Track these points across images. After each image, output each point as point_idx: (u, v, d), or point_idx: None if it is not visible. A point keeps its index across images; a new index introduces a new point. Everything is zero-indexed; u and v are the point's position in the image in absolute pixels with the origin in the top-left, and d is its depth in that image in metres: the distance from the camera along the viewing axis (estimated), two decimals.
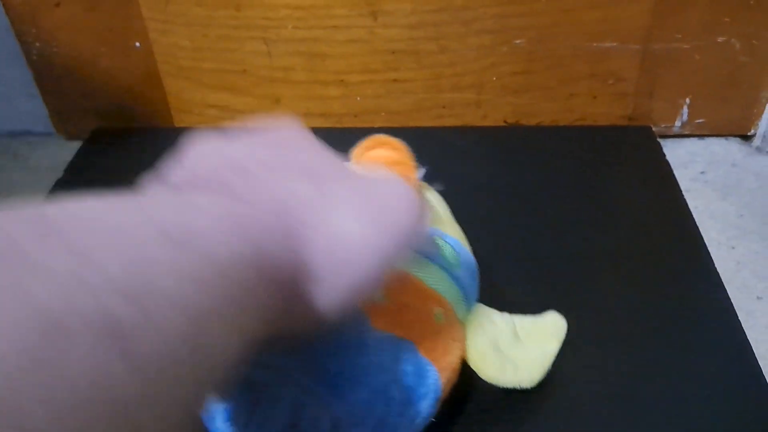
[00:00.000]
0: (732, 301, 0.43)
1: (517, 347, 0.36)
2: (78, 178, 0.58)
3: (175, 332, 0.16)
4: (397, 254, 0.25)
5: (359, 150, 0.40)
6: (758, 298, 0.46)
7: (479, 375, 0.35)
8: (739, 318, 0.42)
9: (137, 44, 0.58)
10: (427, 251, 0.35)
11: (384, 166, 0.39)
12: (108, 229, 0.16)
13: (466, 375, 0.35)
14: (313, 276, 0.23)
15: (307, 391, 0.29)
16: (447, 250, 0.37)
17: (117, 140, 0.62)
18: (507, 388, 0.35)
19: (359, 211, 0.25)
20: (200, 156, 0.26)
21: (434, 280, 0.35)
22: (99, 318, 0.14)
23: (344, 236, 0.24)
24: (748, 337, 0.41)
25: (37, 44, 0.59)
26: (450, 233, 0.39)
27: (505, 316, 0.37)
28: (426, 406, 0.32)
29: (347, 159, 0.41)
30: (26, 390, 0.12)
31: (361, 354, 0.30)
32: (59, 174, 0.58)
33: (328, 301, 0.24)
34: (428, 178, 0.43)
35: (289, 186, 0.24)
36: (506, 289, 0.44)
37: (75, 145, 0.62)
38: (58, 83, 0.61)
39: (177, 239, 0.17)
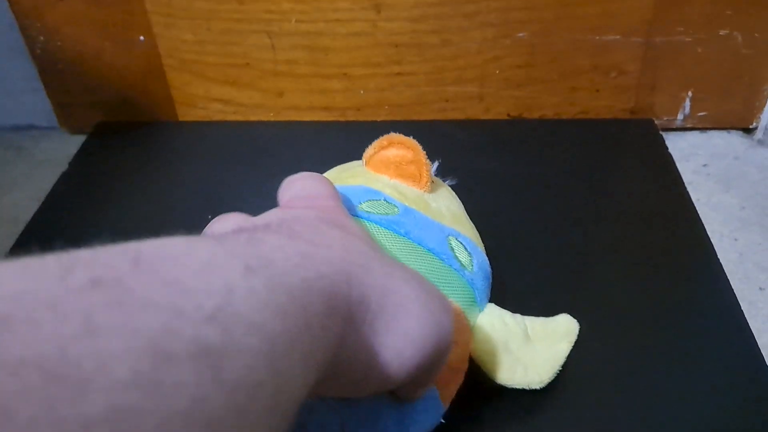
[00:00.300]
0: (735, 292, 0.44)
1: (528, 348, 0.36)
2: (82, 172, 0.58)
3: (257, 356, 0.17)
4: (438, 350, 0.26)
5: (372, 150, 0.40)
6: (761, 289, 0.46)
7: (489, 376, 0.35)
8: (742, 308, 0.42)
9: (141, 38, 0.59)
10: (441, 252, 0.36)
11: (398, 165, 0.39)
12: (196, 262, 0.18)
13: (476, 376, 0.35)
14: (370, 317, 0.24)
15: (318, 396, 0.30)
16: (460, 251, 0.37)
17: (121, 134, 0.62)
18: (517, 389, 0.35)
19: (416, 287, 0.26)
20: (267, 213, 0.28)
21: (446, 282, 0.35)
22: (194, 344, 0.16)
23: (402, 297, 0.25)
24: (751, 328, 0.41)
25: (41, 38, 0.59)
26: (465, 232, 0.39)
27: (517, 317, 0.37)
28: (429, 409, 0.32)
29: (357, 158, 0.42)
30: (142, 410, 0.14)
31: None
32: (63, 168, 0.58)
33: (381, 354, 0.24)
34: (436, 173, 0.43)
35: (350, 238, 0.26)
36: (508, 281, 0.45)
37: (79, 139, 0.62)
38: (62, 77, 0.61)
39: (255, 269, 0.19)
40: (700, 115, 0.61)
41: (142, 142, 0.60)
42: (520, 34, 0.57)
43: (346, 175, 0.40)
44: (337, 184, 0.33)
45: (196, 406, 0.15)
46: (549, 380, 0.35)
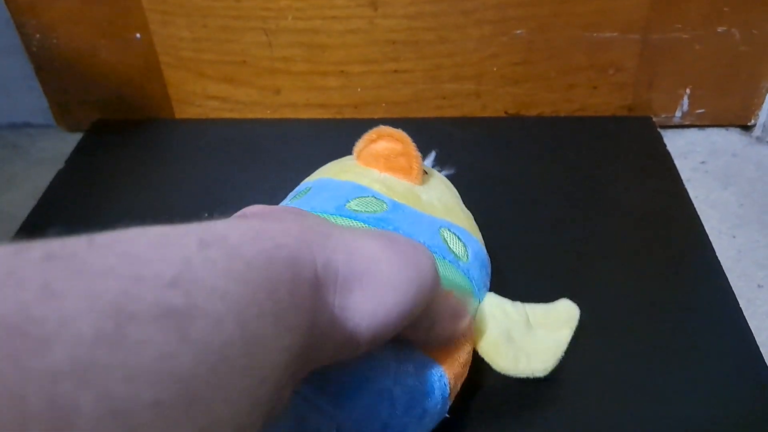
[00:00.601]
0: (733, 289, 0.43)
1: (530, 336, 0.35)
2: (79, 170, 0.58)
3: (223, 318, 0.18)
4: (421, 295, 0.26)
5: (362, 143, 0.40)
6: (759, 286, 0.46)
7: (492, 366, 0.35)
8: (741, 306, 0.42)
9: (137, 36, 0.58)
10: (433, 245, 0.35)
11: (388, 158, 0.39)
12: (150, 239, 0.19)
13: (479, 367, 0.35)
14: (341, 286, 0.24)
15: (308, 401, 0.29)
16: (454, 242, 0.36)
17: (117, 132, 0.62)
18: (521, 378, 0.35)
19: (383, 242, 0.26)
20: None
21: (441, 276, 0.34)
22: (157, 306, 0.16)
23: (370, 254, 0.25)
24: (750, 325, 0.41)
25: (38, 36, 0.59)
26: (459, 222, 0.38)
27: (518, 305, 0.36)
28: (433, 404, 0.31)
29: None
30: (109, 365, 0.14)
31: (360, 358, 0.30)
32: (60, 166, 0.58)
33: (360, 316, 0.24)
34: (434, 164, 0.43)
35: (307, 215, 0.27)
36: (507, 278, 0.45)
37: (75, 137, 0.62)
38: (59, 75, 0.61)
39: (210, 242, 0.19)
40: (698, 112, 0.61)
41: (139, 140, 0.60)
42: (518, 31, 0.56)
43: (336, 170, 0.40)
44: (328, 177, 0.33)
45: (164, 362, 0.15)
46: (553, 367, 0.35)
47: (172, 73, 0.60)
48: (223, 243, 0.20)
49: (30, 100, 0.63)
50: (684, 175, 0.54)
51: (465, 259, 0.36)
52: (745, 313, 0.42)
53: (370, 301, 0.24)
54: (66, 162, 0.58)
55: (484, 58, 0.58)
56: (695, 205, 0.51)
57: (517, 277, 0.45)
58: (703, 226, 0.49)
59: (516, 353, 0.34)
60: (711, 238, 0.48)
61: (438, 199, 0.39)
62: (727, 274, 0.45)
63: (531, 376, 0.34)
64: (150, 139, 0.61)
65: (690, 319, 0.41)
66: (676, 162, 0.55)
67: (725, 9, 0.55)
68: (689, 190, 0.52)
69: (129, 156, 0.58)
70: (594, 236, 0.48)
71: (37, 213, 0.53)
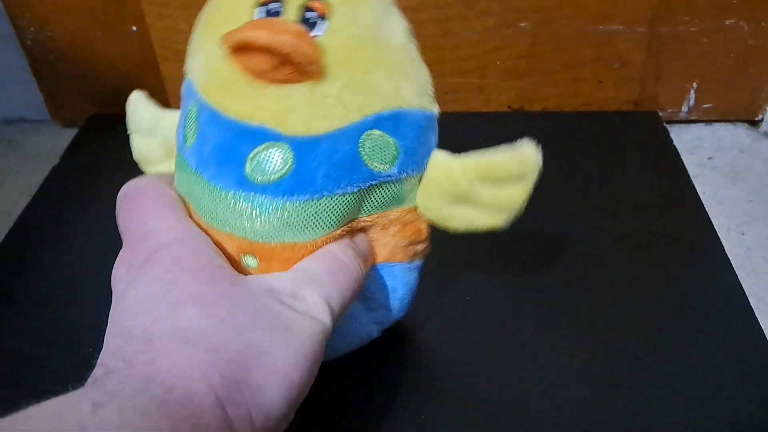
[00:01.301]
0: (743, 287, 0.42)
1: (480, 197, 0.31)
2: (74, 165, 0.57)
3: None
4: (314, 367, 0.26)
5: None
6: None
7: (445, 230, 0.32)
8: (751, 304, 0.41)
9: (134, 28, 0.57)
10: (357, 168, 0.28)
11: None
12: (48, 413, 0.20)
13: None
14: (248, 393, 0.24)
15: None
16: (383, 148, 0.29)
17: (113, 127, 0.60)
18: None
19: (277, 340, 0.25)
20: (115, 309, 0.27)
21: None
22: None
23: (267, 362, 0.25)
24: (761, 323, 0.40)
25: (32, 29, 0.58)
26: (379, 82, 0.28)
27: (465, 159, 0.31)
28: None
29: None
30: None
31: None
32: (55, 161, 0.56)
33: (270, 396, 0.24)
34: None
35: (194, 313, 0.25)
36: (511, 273, 0.44)
37: (71, 132, 0.61)
38: (54, 69, 0.60)
39: (102, 403, 0.21)
40: (705, 107, 0.60)
41: None
42: (522, 24, 0.55)
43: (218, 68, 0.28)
44: (211, 103, 0.27)
45: None
46: (510, 220, 0.31)
47: (168, 67, 0.59)
48: (114, 400, 0.21)
49: (24, 95, 0.62)
50: (691, 171, 0.53)
51: (392, 163, 0.29)
52: (755, 311, 0.41)
53: (276, 389, 0.24)
54: (61, 158, 0.57)
55: (488, 51, 0.57)
56: (703, 202, 0.50)
57: (521, 273, 0.44)
58: (711, 223, 0.48)
59: (466, 215, 0.31)
60: (720, 235, 0.47)
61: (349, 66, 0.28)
62: (736, 272, 0.44)
63: (488, 231, 0.32)
64: None
65: (699, 318, 0.41)
66: (683, 157, 0.54)
67: (733, 1, 0.54)
68: (696, 186, 0.51)
69: (125, 151, 0.57)
70: (600, 233, 0.47)
71: (32, 210, 0.52)
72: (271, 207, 0.27)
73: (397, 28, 0.30)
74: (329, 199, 0.28)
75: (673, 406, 0.36)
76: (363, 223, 0.31)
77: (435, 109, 0.32)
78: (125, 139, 0.59)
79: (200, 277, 0.25)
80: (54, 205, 0.52)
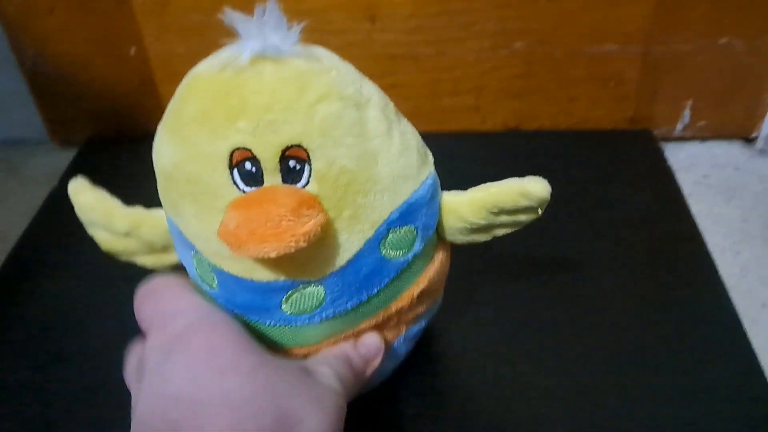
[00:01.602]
0: (736, 308, 0.43)
1: (500, 218, 0.34)
2: None
3: None
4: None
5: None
6: (764, 305, 0.45)
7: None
8: (744, 326, 0.41)
9: (132, 51, 0.58)
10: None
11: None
12: None
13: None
14: None
15: None
16: (400, 241, 0.30)
17: (112, 148, 0.61)
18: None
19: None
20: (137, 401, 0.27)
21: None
22: None
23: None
24: (753, 345, 0.40)
25: (31, 51, 0.58)
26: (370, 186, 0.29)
27: (472, 197, 0.33)
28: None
29: None
30: None
31: None
32: (54, 183, 0.57)
33: None
34: None
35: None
36: (506, 290, 0.44)
37: (70, 154, 0.61)
38: (53, 91, 0.61)
39: None
40: (700, 125, 0.60)
41: (134, 156, 0.59)
42: (517, 44, 0.56)
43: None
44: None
45: None
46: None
47: (167, 89, 0.59)
48: None
49: (23, 116, 0.62)
50: (686, 189, 0.53)
51: (411, 247, 0.30)
52: (748, 334, 0.41)
53: None
54: (60, 180, 0.57)
55: (484, 72, 0.57)
56: (697, 220, 0.50)
57: (516, 291, 0.44)
58: (705, 242, 0.48)
59: (491, 234, 0.34)
60: (714, 254, 0.47)
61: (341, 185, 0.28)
62: (730, 293, 0.44)
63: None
64: (145, 155, 0.59)
65: (691, 340, 0.41)
66: (678, 175, 0.54)
67: (727, 20, 0.54)
68: (691, 205, 0.51)
69: (124, 172, 0.58)
70: (594, 251, 0.47)
71: (31, 232, 0.52)
72: (311, 327, 0.30)
73: (373, 118, 0.30)
74: (366, 303, 0.30)
75: (664, 428, 0.36)
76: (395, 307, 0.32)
77: (431, 164, 0.33)
78: (124, 160, 0.60)
79: (238, 347, 0.26)
80: (53, 228, 0.52)
